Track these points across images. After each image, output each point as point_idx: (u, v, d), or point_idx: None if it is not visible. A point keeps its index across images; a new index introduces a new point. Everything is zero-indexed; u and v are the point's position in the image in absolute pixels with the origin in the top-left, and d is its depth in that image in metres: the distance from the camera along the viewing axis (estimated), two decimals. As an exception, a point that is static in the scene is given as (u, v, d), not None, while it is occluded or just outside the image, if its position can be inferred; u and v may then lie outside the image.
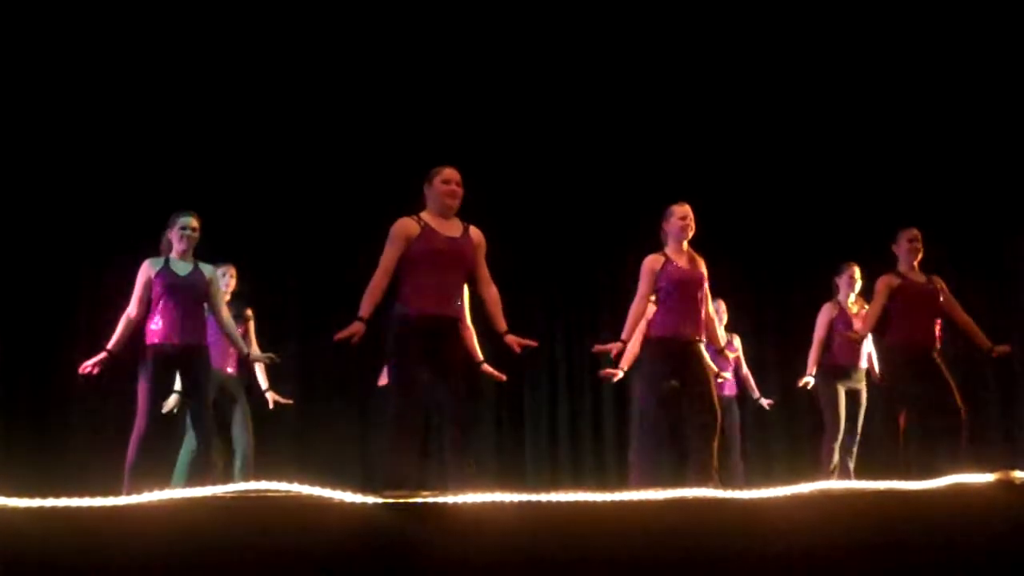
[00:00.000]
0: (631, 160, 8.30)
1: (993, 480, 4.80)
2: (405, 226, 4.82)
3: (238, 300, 6.50)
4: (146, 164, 7.44)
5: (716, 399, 5.52)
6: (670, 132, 8.34)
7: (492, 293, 4.93)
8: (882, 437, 6.17)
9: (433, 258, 4.75)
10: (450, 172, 4.89)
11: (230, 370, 6.44)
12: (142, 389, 5.40)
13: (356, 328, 4.61)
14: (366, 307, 4.67)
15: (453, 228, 4.87)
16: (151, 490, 3.65)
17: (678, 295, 5.55)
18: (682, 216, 5.59)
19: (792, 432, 8.39)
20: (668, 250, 5.64)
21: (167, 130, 7.51)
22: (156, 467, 5.48)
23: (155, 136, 7.50)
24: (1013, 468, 5.05)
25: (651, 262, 5.59)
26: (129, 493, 3.96)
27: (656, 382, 5.55)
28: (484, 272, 4.94)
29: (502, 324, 4.89)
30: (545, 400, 8.33)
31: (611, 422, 8.43)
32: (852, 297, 6.74)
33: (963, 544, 4.03)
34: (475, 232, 4.93)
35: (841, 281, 6.77)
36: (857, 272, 6.72)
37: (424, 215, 4.87)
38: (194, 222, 5.59)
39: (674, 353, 5.51)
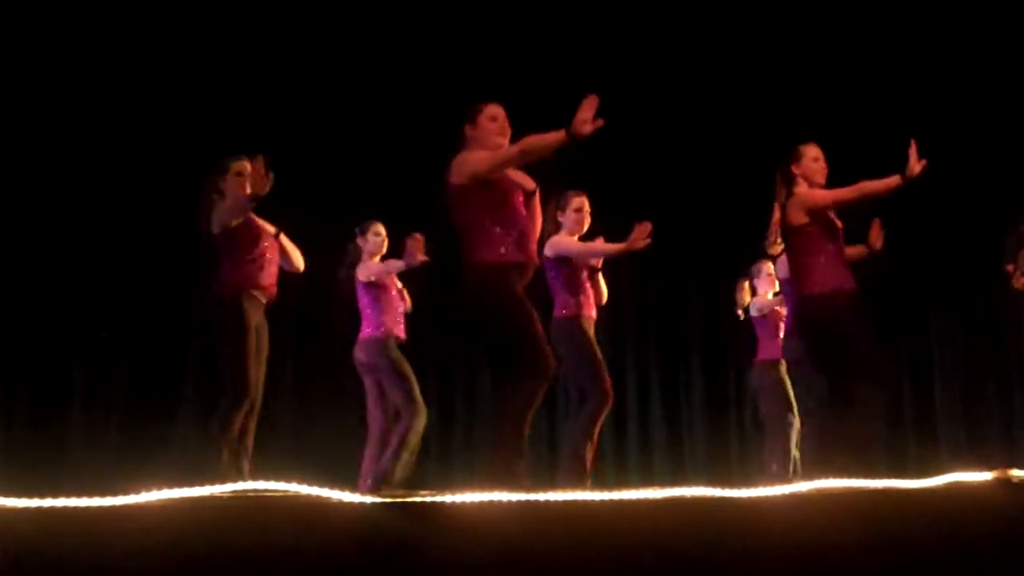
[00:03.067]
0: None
1: (991, 479, 4.82)
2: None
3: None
4: (146, 164, 7.44)
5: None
6: (670, 122, 8.31)
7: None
8: None
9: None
10: (495, 108, 4.44)
11: (401, 336, 6.09)
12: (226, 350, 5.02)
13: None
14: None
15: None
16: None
17: (832, 244, 4.96)
18: (815, 157, 5.04)
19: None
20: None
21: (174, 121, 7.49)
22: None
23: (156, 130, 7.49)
24: (1011, 466, 5.07)
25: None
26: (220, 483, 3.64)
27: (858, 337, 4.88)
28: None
29: None
30: (546, 399, 8.30)
31: (611, 420, 8.41)
32: None
33: (960, 543, 4.03)
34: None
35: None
36: None
37: None
38: (249, 167, 5.10)
39: (840, 308, 4.88)
